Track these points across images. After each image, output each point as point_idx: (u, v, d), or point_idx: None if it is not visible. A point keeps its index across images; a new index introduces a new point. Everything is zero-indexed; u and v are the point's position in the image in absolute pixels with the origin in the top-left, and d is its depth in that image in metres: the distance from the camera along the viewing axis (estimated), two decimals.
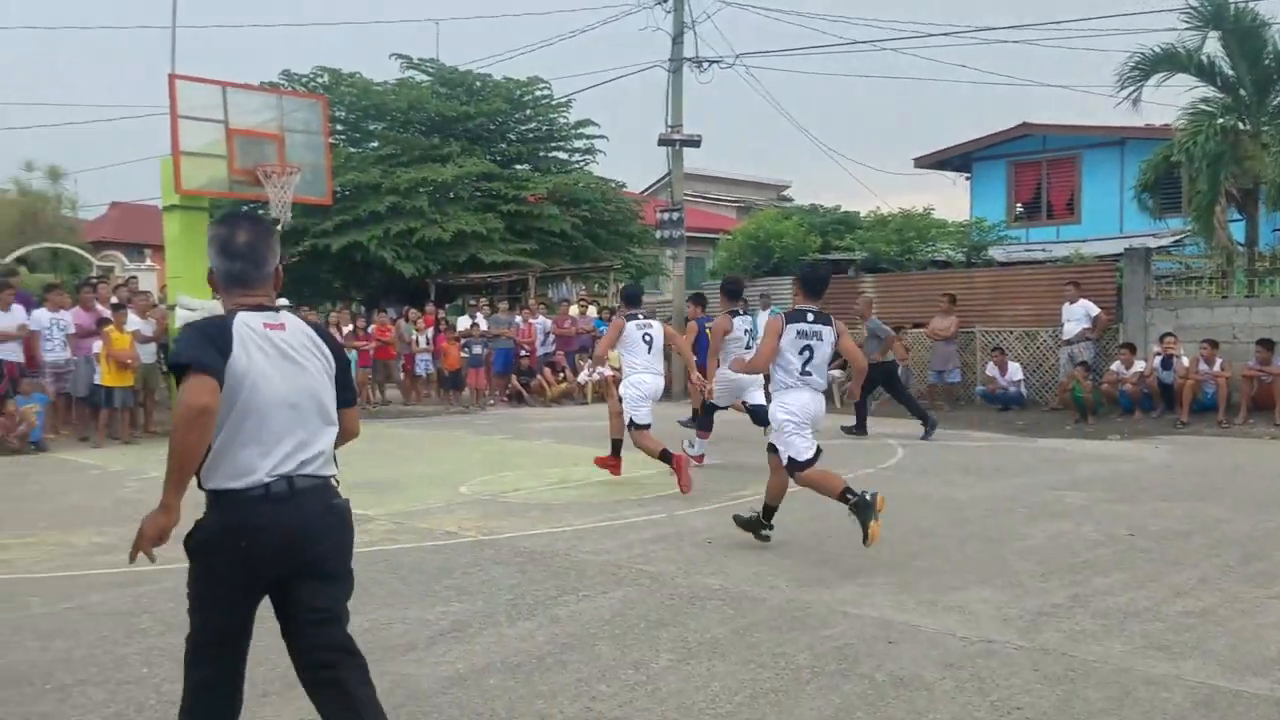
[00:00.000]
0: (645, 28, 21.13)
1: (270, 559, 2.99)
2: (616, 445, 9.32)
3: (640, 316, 9.34)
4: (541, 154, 25.84)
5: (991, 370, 15.46)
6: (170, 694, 4.16)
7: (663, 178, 24.37)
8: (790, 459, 6.40)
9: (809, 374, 6.42)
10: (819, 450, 6.47)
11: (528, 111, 25.26)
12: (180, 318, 13.44)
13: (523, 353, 18.55)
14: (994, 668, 4.37)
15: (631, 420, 8.94)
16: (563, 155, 26.35)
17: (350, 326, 16.89)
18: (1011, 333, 15.88)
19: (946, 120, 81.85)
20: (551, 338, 18.94)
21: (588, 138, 25.92)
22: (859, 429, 12.99)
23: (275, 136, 13.95)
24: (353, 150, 23.67)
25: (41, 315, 12.97)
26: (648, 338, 9.20)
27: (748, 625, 4.97)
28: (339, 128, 23.99)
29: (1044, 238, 22.22)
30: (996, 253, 19.17)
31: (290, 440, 2.98)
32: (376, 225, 20.74)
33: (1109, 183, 21.54)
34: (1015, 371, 15.38)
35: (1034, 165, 23.70)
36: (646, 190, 33.12)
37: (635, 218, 25.74)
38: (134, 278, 18.57)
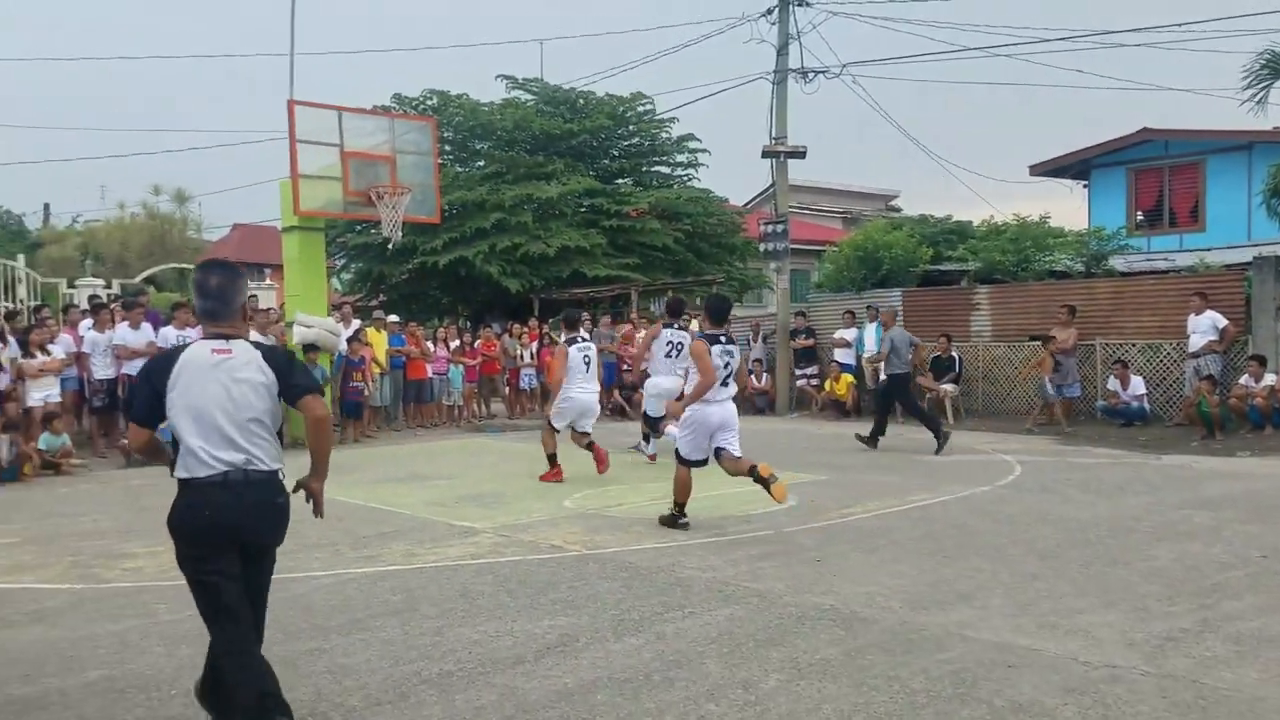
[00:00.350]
0: (749, 40, 20.92)
1: (220, 532, 3.75)
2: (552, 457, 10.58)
3: (580, 340, 10.69)
4: (644, 169, 25.95)
5: (1113, 384, 14.88)
6: (291, 701, 4.23)
7: (766, 189, 24.22)
8: (681, 454, 7.77)
9: (727, 384, 7.72)
10: (706, 460, 7.75)
11: (630, 127, 25.41)
12: (298, 334, 13.90)
13: (625, 367, 18.59)
14: (1119, 694, 4.17)
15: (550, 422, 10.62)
16: (665, 170, 26.42)
17: (457, 341, 17.19)
18: (1134, 345, 15.25)
19: (1062, 127, 79.61)
20: None
21: (690, 151, 25.95)
22: (873, 440, 12.85)
23: (387, 158, 14.32)
24: (460, 169, 24.16)
25: (169, 333, 13.52)
26: (587, 359, 10.56)
27: (860, 647, 4.85)
28: (446, 148, 24.52)
29: (1166, 246, 21.34)
30: (1117, 262, 18.44)
31: (221, 441, 3.73)
32: (482, 241, 21.11)
33: (1235, 188, 20.59)
34: (1138, 385, 14.77)
35: (1155, 171, 22.81)
36: (750, 202, 32.98)
37: (738, 231, 25.63)
38: (254, 296, 19.26)
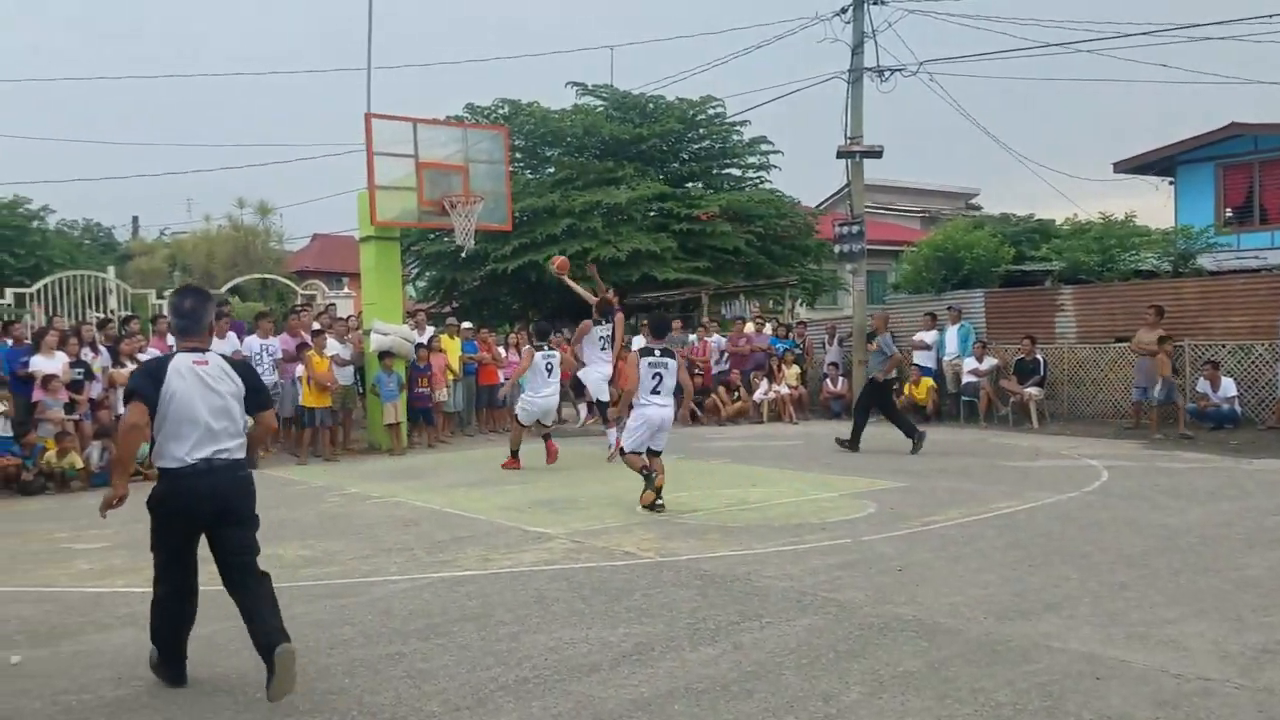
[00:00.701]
0: (823, 39, 20.71)
1: (197, 512, 4.57)
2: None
3: (546, 348, 12.16)
4: (714, 171, 25.85)
5: (1203, 386, 14.39)
6: (372, 705, 4.31)
7: (841, 190, 23.97)
8: (623, 447, 9.23)
9: (658, 393, 9.00)
10: (649, 450, 9.06)
11: (700, 130, 25.33)
12: (374, 342, 14.12)
13: (696, 371, 18.53)
14: (1213, 709, 4.02)
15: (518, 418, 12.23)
16: (736, 172, 26.28)
17: (527, 346, 17.24)
18: (1223, 346, 14.73)
19: (1147, 122, 77.40)
20: (726, 356, 18.86)
21: (762, 153, 25.76)
22: (853, 443, 12.97)
23: (460, 168, 14.49)
24: (531, 176, 24.33)
25: (252, 342, 13.89)
26: (549, 366, 12.03)
27: (943, 658, 4.73)
28: (517, 155, 24.70)
29: (1258, 244, 20.61)
30: (1206, 261, 17.86)
31: (205, 436, 4.53)
32: (552, 247, 21.22)
33: None
34: (1229, 387, 14.26)
35: (1244, 167, 22.05)
36: (824, 203, 32.64)
37: (811, 232, 25.38)
38: (332, 304, 19.62)
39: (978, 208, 41.20)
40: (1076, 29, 33.32)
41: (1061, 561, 6.58)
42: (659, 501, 8.76)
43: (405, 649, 5.10)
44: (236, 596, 4.69)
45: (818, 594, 5.94)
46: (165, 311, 4.96)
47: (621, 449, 9.42)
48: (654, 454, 9.10)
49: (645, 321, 9.74)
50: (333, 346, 14.00)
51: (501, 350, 16.78)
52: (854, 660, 4.74)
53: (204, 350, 4.72)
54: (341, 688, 4.57)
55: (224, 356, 4.83)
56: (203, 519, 4.58)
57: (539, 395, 12.00)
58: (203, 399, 4.54)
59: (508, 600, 5.98)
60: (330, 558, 7.31)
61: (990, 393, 16.21)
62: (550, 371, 12.07)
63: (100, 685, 4.67)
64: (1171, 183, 23.25)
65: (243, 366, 4.88)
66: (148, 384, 4.51)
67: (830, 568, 6.59)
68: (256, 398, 4.80)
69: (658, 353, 9.09)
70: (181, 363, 4.58)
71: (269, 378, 13.68)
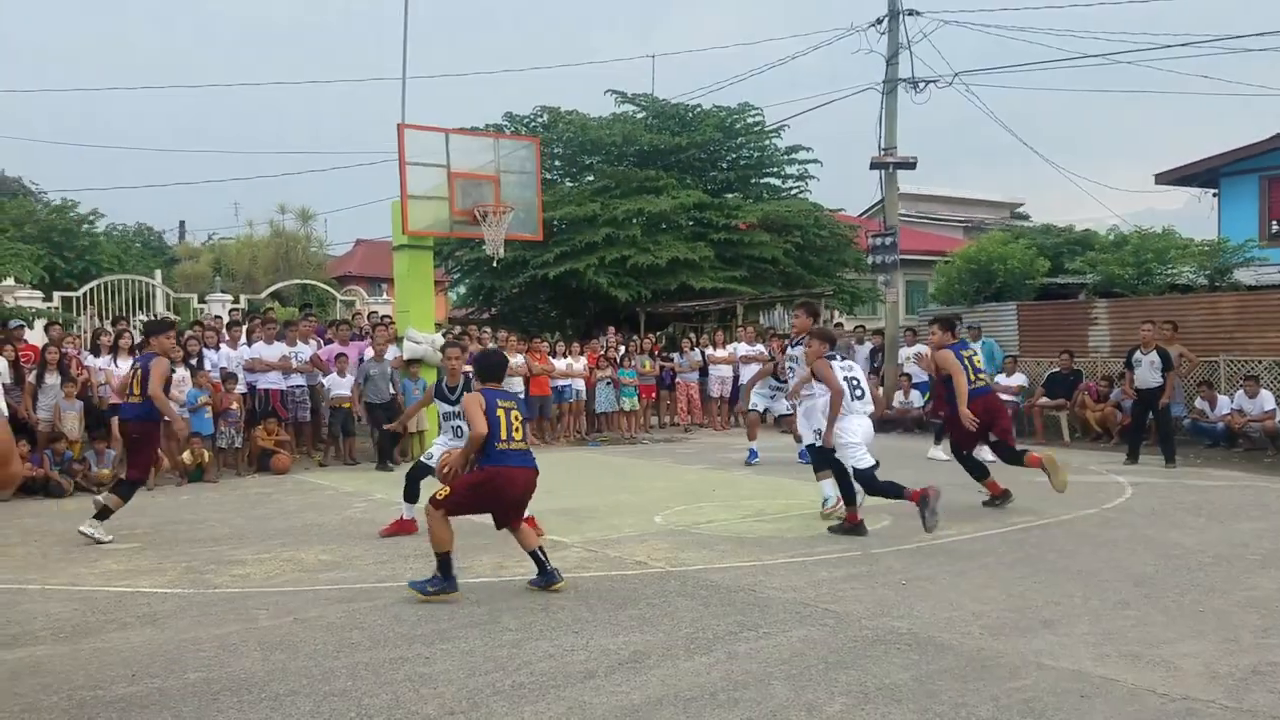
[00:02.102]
0: (858, 50, 20.73)
1: None
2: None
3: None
4: (753, 181, 25.91)
5: (1238, 401, 14.19)
6: (370, 707, 4.47)
7: (878, 201, 23.90)
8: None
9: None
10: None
11: (739, 140, 25.40)
12: (407, 349, 14.35)
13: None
14: None
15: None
16: (775, 181, 26.32)
17: (583, 358, 17.31)
18: (1259, 362, 14.52)
19: (1189, 133, 76.14)
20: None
21: (800, 163, 25.78)
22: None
23: (492, 178, 14.70)
24: (570, 185, 24.55)
25: (279, 347, 14.21)
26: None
27: (931, 672, 4.79)
28: (556, 163, 24.95)
29: None
30: (1245, 275, 17.57)
31: None
32: (591, 254, 21.41)
33: None
34: (1266, 400, 14.05)
35: None
36: (866, 212, 32.52)
37: (849, 243, 25.34)
38: (374, 311, 19.93)
39: (1024, 217, 40.81)
40: (1114, 40, 32.82)
41: (1067, 579, 6.59)
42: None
43: (409, 653, 5.25)
44: None
45: (818, 605, 6.01)
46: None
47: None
48: None
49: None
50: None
51: (554, 361, 16.79)
52: (842, 671, 4.82)
53: None
54: (343, 690, 4.72)
55: None
56: None
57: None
58: None
59: (515, 607, 6.12)
60: (349, 562, 7.51)
61: (1036, 410, 16.04)
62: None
63: (114, 682, 4.87)
64: (1215, 194, 22.90)
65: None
66: None
67: (835, 580, 6.66)
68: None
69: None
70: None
71: (296, 382, 13.94)
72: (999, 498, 9.37)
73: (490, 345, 15.29)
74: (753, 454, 13.13)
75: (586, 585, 6.62)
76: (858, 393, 8.44)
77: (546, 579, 6.48)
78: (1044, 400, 15.74)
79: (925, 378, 17.81)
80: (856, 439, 8.20)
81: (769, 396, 13.17)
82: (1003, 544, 7.83)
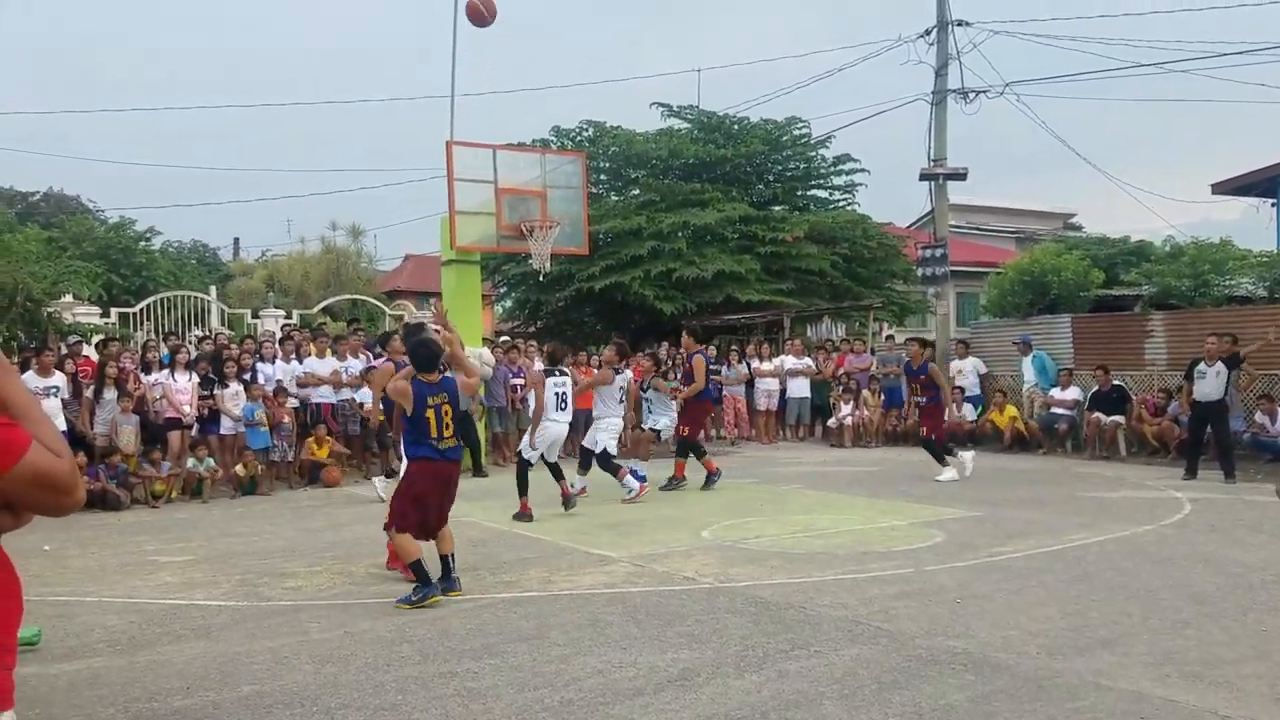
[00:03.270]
0: (906, 61, 20.60)
1: None
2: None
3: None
4: (799, 193, 25.79)
5: (1261, 417, 13.87)
6: None
7: (927, 213, 23.69)
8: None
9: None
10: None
11: (785, 152, 25.32)
12: None
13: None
14: None
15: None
16: (822, 194, 26.19)
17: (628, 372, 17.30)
18: None
19: (1248, 143, 74.70)
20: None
21: (847, 174, 25.63)
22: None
23: (538, 193, 14.79)
24: (616, 198, 24.61)
25: (330, 361, 14.37)
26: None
27: (987, 693, 4.69)
28: (602, 177, 25.01)
29: None
30: None
31: None
32: (637, 267, 21.43)
33: None
34: None
35: None
36: (913, 225, 32.24)
37: (898, 255, 25.12)
38: (422, 324, 20.07)
39: (1077, 228, 40.22)
40: (1168, 49, 32.38)
41: (1126, 597, 6.44)
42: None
43: (459, 668, 5.25)
44: None
45: (870, 624, 5.92)
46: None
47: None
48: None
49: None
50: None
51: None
52: (896, 692, 4.73)
53: None
54: (393, 704, 4.73)
55: None
56: None
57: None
58: None
59: (563, 622, 6.10)
60: (399, 575, 7.53)
61: (1092, 424, 15.73)
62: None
63: (170, 695, 4.92)
64: (1274, 204, 22.38)
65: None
66: None
67: (887, 597, 6.56)
68: None
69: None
70: None
71: (346, 396, 14.05)
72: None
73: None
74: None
75: (634, 600, 6.59)
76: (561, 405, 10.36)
77: (448, 584, 6.73)
78: (1099, 415, 15.43)
79: (978, 391, 17.62)
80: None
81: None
82: (1059, 561, 7.67)
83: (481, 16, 13.36)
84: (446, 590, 6.67)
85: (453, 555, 6.83)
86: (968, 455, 13.03)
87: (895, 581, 7.05)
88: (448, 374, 7.06)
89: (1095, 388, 15.67)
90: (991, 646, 5.43)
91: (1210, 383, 12.36)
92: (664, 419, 12.46)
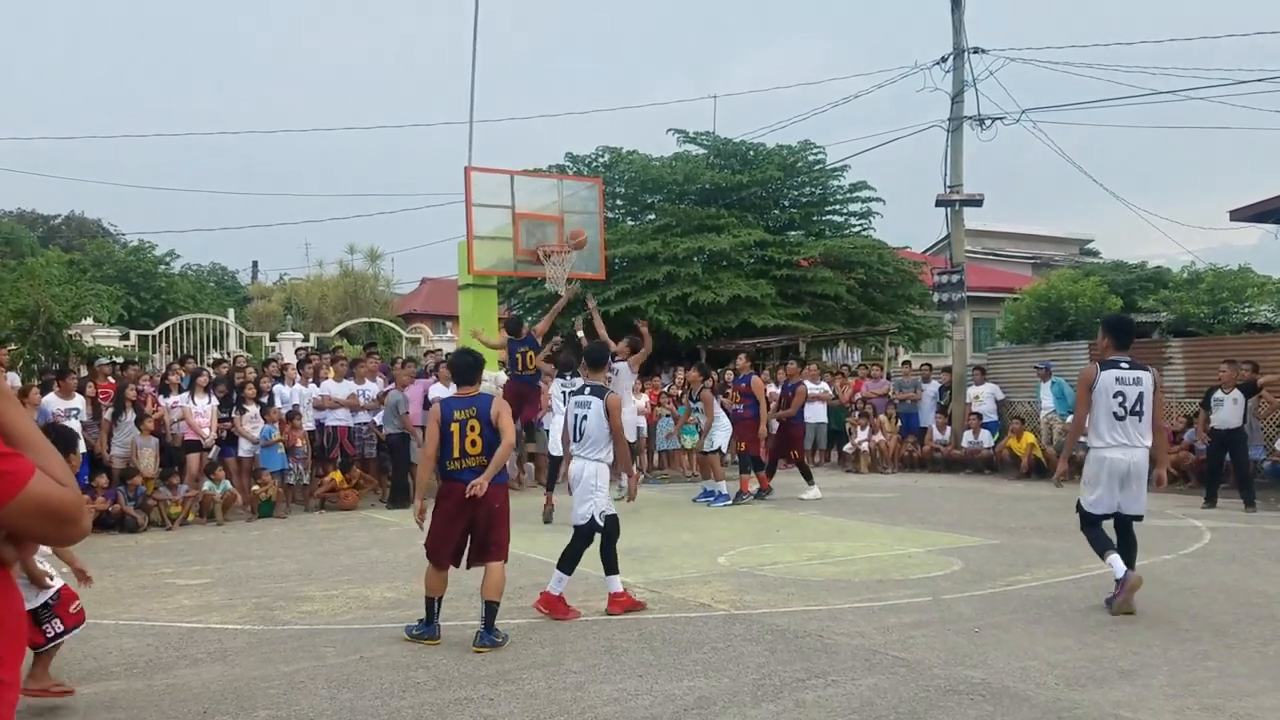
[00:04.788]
0: (922, 89, 20.65)
1: None
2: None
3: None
4: (815, 218, 25.84)
5: None
6: None
7: (943, 238, 23.70)
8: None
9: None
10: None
11: (800, 178, 25.39)
12: None
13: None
14: None
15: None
16: (838, 219, 26.23)
17: (645, 396, 17.31)
18: None
19: (1264, 169, 74.54)
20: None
21: (863, 200, 25.68)
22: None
23: (555, 218, 14.88)
24: (632, 223, 24.70)
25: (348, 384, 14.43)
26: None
27: None
28: (618, 202, 25.14)
29: None
30: None
31: None
32: (652, 292, 21.48)
33: None
34: None
35: None
36: (929, 250, 32.25)
37: (914, 280, 25.11)
38: (438, 349, 20.16)
39: (1094, 254, 40.14)
40: (1185, 76, 32.35)
41: (1145, 627, 6.39)
42: None
43: (474, 694, 5.24)
44: None
45: (888, 653, 5.88)
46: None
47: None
48: None
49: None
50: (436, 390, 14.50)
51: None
52: None
53: None
54: None
55: None
56: None
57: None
58: None
59: (579, 649, 6.08)
60: (413, 600, 7.50)
61: None
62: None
63: (187, 719, 4.93)
64: None
65: None
66: None
67: (904, 626, 6.52)
68: None
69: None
70: None
71: (362, 419, 14.11)
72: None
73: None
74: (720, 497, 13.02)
75: (650, 627, 6.57)
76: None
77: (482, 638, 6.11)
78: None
79: (995, 417, 17.53)
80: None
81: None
82: (1076, 590, 7.62)
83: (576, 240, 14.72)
84: (477, 644, 6.06)
85: (492, 605, 6.14)
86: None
87: (913, 610, 7.00)
88: (484, 392, 6.79)
89: None
90: (1010, 676, 5.39)
91: (1228, 410, 12.29)
92: (719, 435, 12.64)
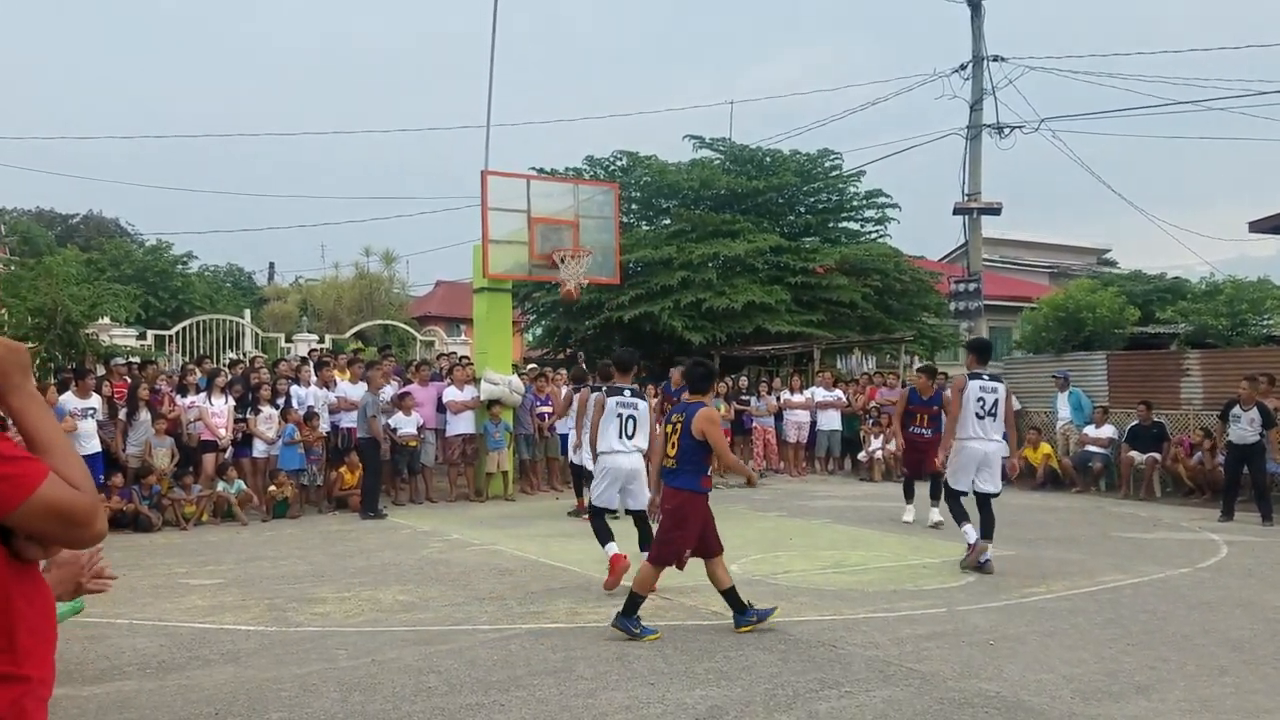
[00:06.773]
0: (941, 96, 20.64)
1: None
2: None
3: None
4: (831, 225, 25.77)
5: None
6: None
7: (960, 246, 23.60)
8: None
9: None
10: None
11: (817, 184, 25.34)
12: (485, 390, 14.51)
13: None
14: None
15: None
16: (854, 226, 26.16)
17: (656, 399, 17.31)
18: None
19: None
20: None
21: (879, 207, 25.60)
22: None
23: (571, 222, 14.86)
24: (647, 228, 24.68)
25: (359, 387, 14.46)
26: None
27: None
28: (634, 206, 25.12)
29: None
30: None
31: None
32: (667, 297, 21.46)
33: None
34: None
35: None
36: (945, 258, 32.10)
37: (930, 289, 25.02)
38: (453, 351, 20.20)
39: (1111, 263, 39.92)
40: (1205, 86, 32.13)
41: (1161, 641, 6.33)
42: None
43: (485, 700, 5.23)
44: None
45: (902, 664, 5.84)
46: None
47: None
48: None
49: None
50: (449, 393, 14.52)
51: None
52: None
53: None
54: None
55: None
56: None
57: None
58: None
59: (590, 655, 6.06)
60: (425, 603, 7.54)
61: (1125, 463, 15.52)
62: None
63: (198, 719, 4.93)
64: None
65: None
66: None
67: (918, 637, 6.48)
68: None
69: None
70: None
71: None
72: None
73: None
74: None
75: (662, 634, 6.54)
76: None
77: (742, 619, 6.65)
78: (1134, 454, 15.23)
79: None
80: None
81: None
82: (1093, 603, 7.55)
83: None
84: (738, 624, 6.63)
85: (731, 590, 6.74)
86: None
87: (927, 621, 6.96)
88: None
89: (1135, 422, 15.48)
90: (1025, 690, 5.34)
91: (1245, 426, 12.20)
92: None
